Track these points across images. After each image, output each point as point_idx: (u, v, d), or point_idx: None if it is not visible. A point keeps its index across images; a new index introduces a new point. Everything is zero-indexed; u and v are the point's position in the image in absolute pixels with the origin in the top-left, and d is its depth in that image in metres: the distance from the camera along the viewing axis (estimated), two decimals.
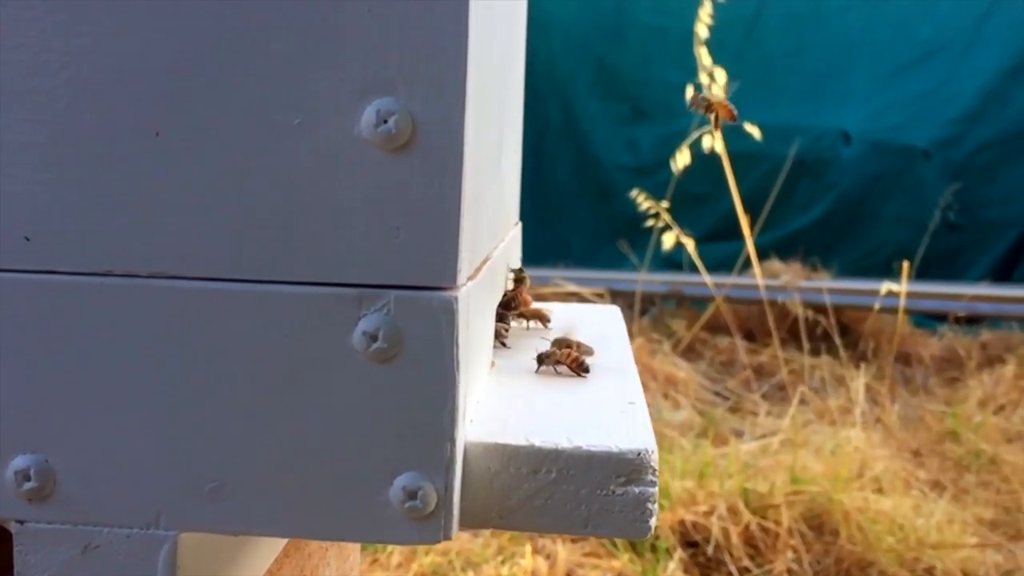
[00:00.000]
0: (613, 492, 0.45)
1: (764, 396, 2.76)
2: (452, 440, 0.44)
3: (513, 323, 0.69)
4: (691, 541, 1.82)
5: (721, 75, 2.57)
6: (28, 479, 0.45)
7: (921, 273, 3.27)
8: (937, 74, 3.95)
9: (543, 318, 0.71)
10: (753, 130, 2.46)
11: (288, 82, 0.42)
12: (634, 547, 1.78)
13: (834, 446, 2.11)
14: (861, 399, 2.48)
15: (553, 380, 0.58)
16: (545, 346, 0.61)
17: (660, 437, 2.13)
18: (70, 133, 0.43)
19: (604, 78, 4.24)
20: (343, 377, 0.44)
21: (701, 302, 3.37)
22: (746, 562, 1.76)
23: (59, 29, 0.43)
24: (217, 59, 0.42)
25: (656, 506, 0.45)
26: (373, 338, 0.43)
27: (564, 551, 1.73)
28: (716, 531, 1.78)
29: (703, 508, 1.84)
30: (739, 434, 2.41)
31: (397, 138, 0.42)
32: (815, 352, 2.97)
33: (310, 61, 0.42)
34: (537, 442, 0.46)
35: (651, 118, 4.08)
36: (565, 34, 4.17)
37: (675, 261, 3.39)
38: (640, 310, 3.28)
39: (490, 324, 0.61)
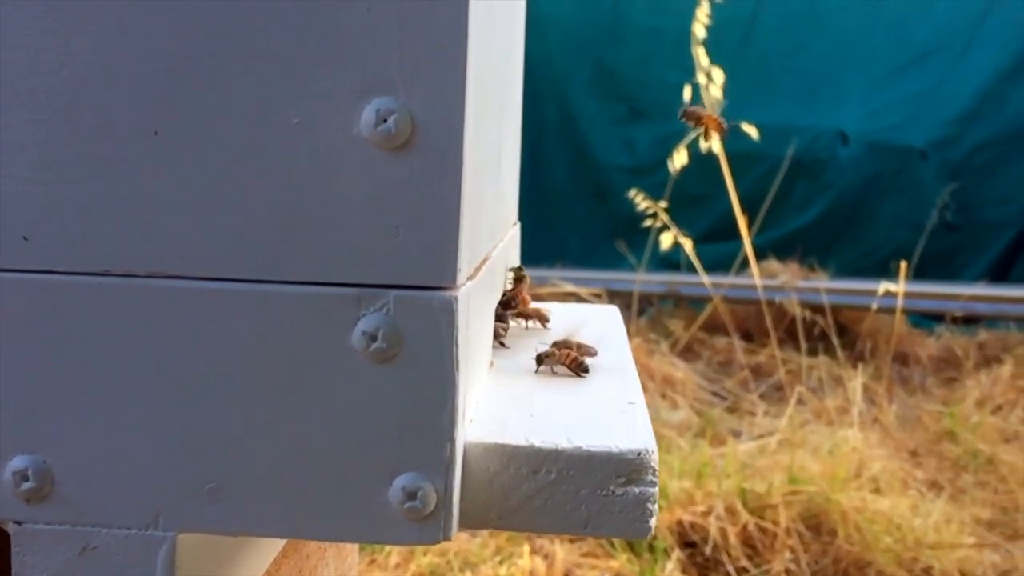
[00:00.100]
0: (613, 492, 0.45)
1: (762, 396, 2.76)
2: (452, 440, 0.44)
3: (512, 323, 0.69)
4: (689, 541, 1.82)
5: (719, 75, 2.58)
6: (26, 479, 0.45)
7: (918, 273, 3.28)
8: (934, 74, 3.95)
9: (542, 318, 0.71)
10: (750, 130, 2.46)
11: (287, 81, 0.42)
12: (632, 547, 1.78)
13: (832, 446, 2.11)
14: (858, 399, 2.48)
15: (552, 380, 0.58)
16: (545, 346, 0.60)
17: (658, 437, 2.13)
18: (69, 133, 0.43)
19: (602, 78, 4.24)
20: (342, 377, 0.43)
21: (699, 302, 3.37)
22: (744, 562, 1.76)
23: (58, 28, 0.43)
24: (216, 58, 0.42)
25: (656, 506, 0.45)
26: (372, 338, 0.43)
27: (562, 551, 1.73)
28: (714, 531, 1.78)
29: (701, 508, 1.84)
30: (737, 434, 2.41)
31: (397, 137, 0.42)
32: (813, 352, 2.98)
33: (309, 60, 0.42)
34: (537, 442, 0.46)
35: (649, 118, 4.08)
36: (563, 34, 4.17)
37: (672, 261, 3.39)
38: (637, 310, 3.28)
39: (489, 324, 0.60)
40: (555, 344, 0.61)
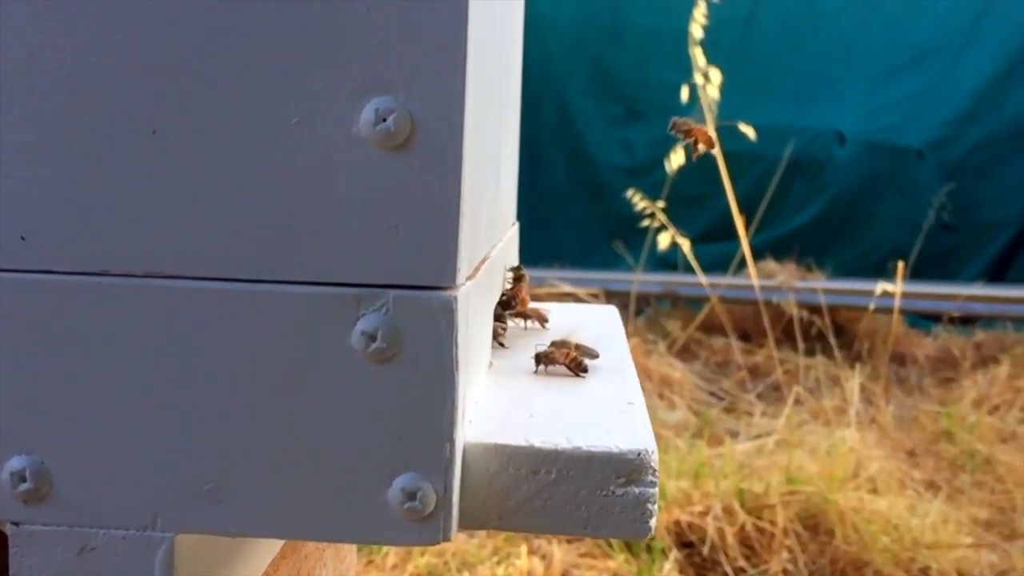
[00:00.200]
0: (613, 493, 0.45)
1: (759, 396, 2.76)
2: (451, 441, 0.43)
3: (511, 323, 0.69)
4: (687, 541, 1.82)
5: (716, 75, 2.58)
6: (24, 480, 0.44)
7: (915, 273, 3.28)
8: (931, 75, 3.95)
9: (541, 318, 0.71)
10: (748, 131, 2.46)
11: (286, 81, 0.42)
12: (630, 547, 1.78)
13: (829, 446, 2.11)
14: (856, 399, 2.48)
15: (552, 380, 0.58)
16: (544, 347, 0.60)
17: (655, 437, 2.12)
18: (67, 132, 0.43)
19: (599, 78, 4.24)
20: (341, 377, 0.43)
21: (696, 302, 3.37)
22: (741, 562, 1.76)
23: (56, 27, 0.42)
24: (215, 57, 0.42)
25: (656, 507, 0.45)
26: (372, 338, 0.43)
27: (560, 552, 1.73)
28: (712, 531, 1.78)
29: (699, 508, 1.84)
30: (734, 434, 2.41)
31: (396, 137, 0.42)
32: (810, 352, 2.98)
33: (309, 60, 0.42)
34: (536, 442, 0.46)
35: (646, 118, 4.08)
36: (560, 35, 4.17)
37: (670, 261, 3.39)
38: (635, 310, 3.28)
39: (489, 324, 0.60)
40: (554, 344, 0.61)
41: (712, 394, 2.83)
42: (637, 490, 0.45)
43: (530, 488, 0.45)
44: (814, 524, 1.84)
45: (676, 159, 2.48)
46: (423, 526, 0.44)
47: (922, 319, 3.46)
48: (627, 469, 0.45)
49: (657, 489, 0.45)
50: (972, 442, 2.37)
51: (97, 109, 0.43)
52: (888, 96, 3.97)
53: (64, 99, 0.43)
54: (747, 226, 2.77)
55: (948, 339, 3.27)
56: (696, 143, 0.77)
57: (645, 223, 2.69)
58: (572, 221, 4.23)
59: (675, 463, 1.99)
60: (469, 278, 0.47)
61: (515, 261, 0.76)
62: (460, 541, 1.77)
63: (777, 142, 3.67)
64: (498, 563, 1.71)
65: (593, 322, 0.74)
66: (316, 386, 0.43)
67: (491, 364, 0.61)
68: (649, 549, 1.76)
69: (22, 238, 0.44)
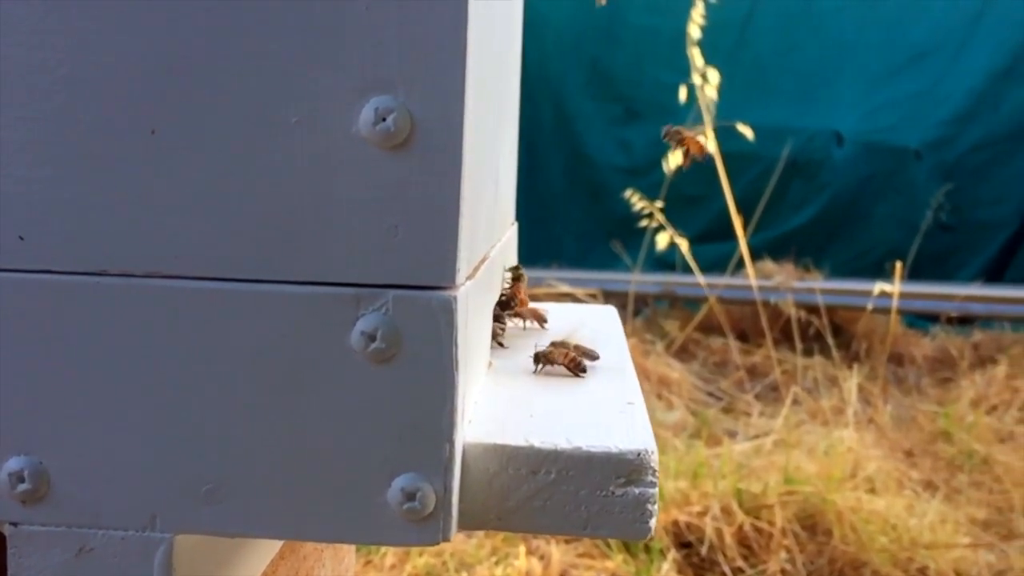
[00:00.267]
0: (613, 493, 0.45)
1: (757, 396, 2.77)
2: (451, 441, 0.43)
3: (510, 323, 0.69)
4: (685, 542, 1.82)
5: (714, 76, 2.58)
6: (22, 481, 0.44)
7: (913, 274, 3.28)
8: (929, 75, 3.96)
9: (540, 318, 0.70)
10: (746, 131, 2.46)
11: (286, 80, 0.42)
12: (628, 548, 1.78)
13: (827, 446, 2.11)
14: (854, 399, 2.48)
15: (551, 380, 0.58)
16: (543, 347, 0.60)
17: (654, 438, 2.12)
18: (66, 131, 0.43)
19: (597, 79, 4.24)
20: (341, 378, 0.43)
21: (694, 303, 3.37)
22: (740, 562, 1.76)
23: (55, 26, 0.42)
24: (214, 57, 0.42)
25: (656, 507, 0.45)
26: (371, 338, 0.43)
27: (558, 552, 1.73)
28: (710, 531, 1.78)
29: (697, 508, 1.84)
30: (732, 434, 2.41)
31: (396, 136, 0.42)
32: (808, 352, 2.98)
33: (308, 59, 0.42)
34: (536, 443, 0.46)
35: (644, 119, 4.08)
36: (558, 35, 4.17)
37: (668, 262, 3.39)
38: (633, 311, 3.28)
39: (488, 324, 0.60)
40: (553, 344, 0.61)
41: (710, 394, 2.83)
42: (637, 490, 0.45)
43: (530, 488, 0.45)
44: (812, 524, 1.84)
45: (674, 159, 2.48)
46: (422, 526, 0.44)
47: (920, 319, 3.47)
48: (627, 469, 0.45)
49: (657, 489, 0.45)
50: (970, 442, 2.37)
51: (96, 109, 0.43)
52: (886, 96, 3.98)
53: (63, 99, 0.43)
54: (745, 226, 2.77)
55: (946, 339, 3.28)
56: (688, 151, 0.77)
57: (643, 223, 2.69)
58: (570, 221, 4.23)
59: (673, 463, 1.99)
60: (469, 278, 0.47)
61: (514, 261, 0.76)
62: (458, 541, 1.77)
63: (775, 142, 3.67)
64: (496, 563, 1.71)
65: (592, 322, 0.73)
66: (315, 386, 0.43)
67: (490, 364, 0.60)
68: (647, 549, 1.76)
69: (21, 238, 0.44)
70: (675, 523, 1.82)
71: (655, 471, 0.45)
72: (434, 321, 0.43)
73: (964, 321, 3.44)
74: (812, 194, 4.00)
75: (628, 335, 3.09)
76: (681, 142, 0.78)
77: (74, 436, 0.44)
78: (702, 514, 1.82)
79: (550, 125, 4.21)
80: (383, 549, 1.70)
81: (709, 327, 3.20)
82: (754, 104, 3.60)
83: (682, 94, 2.60)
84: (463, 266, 0.44)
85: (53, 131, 0.43)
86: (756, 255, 3.11)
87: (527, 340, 0.64)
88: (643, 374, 2.74)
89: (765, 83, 3.99)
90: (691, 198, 3.52)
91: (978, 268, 3.88)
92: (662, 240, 2.61)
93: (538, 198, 4.03)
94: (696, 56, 2.62)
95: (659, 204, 2.65)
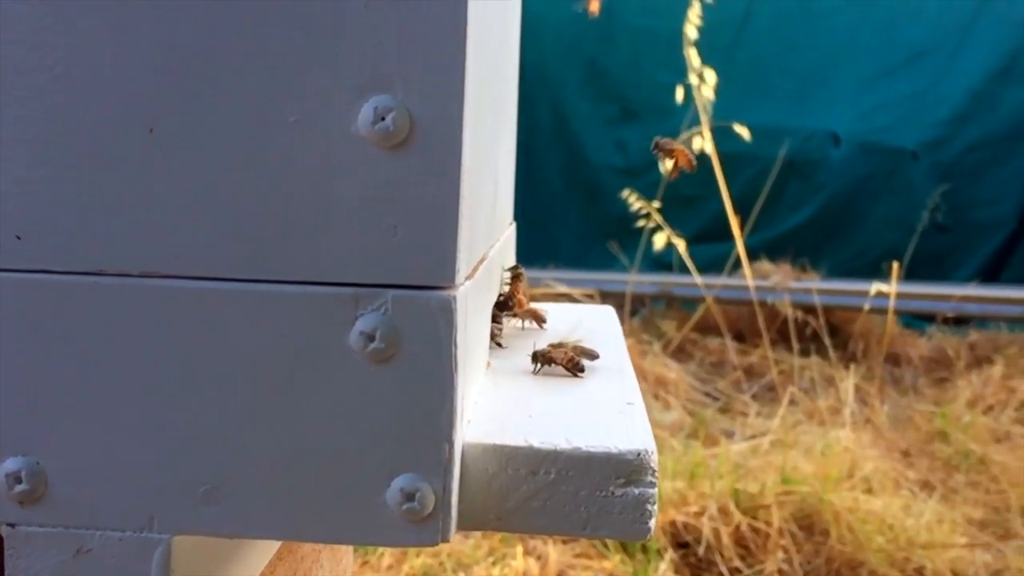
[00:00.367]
0: (612, 493, 0.45)
1: (754, 397, 2.77)
2: (450, 441, 0.43)
3: (509, 323, 0.69)
4: (682, 542, 1.82)
5: (711, 76, 2.58)
6: (19, 482, 0.44)
7: (910, 274, 3.28)
8: (925, 76, 3.96)
9: (539, 318, 0.70)
10: (742, 131, 2.47)
11: (284, 79, 0.42)
12: (625, 548, 1.78)
13: (824, 446, 2.11)
14: (850, 399, 2.49)
15: (550, 380, 0.58)
16: (542, 346, 0.60)
17: None
18: (63, 130, 0.43)
19: (594, 79, 4.25)
20: (340, 378, 0.43)
21: (691, 303, 3.37)
22: (737, 562, 1.76)
23: (53, 24, 0.42)
24: (212, 55, 0.42)
25: (656, 507, 0.45)
26: (370, 338, 0.42)
27: (555, 552, 1.73)
28: (707, 532, 1.78)
29: (694, 509, 1.84)
30: (729, 435, 2.41)
31: (395, 136, 0.41)
32: (805, 353, 2.98)
33: (307, 58, 0.42)
34: (536, 443, 0.45)
35: (641, 119, 4.08)
36: (555, 35, 4.17)
37: (665, 262, 3.40)
38: (630, 311, 3.28)
39: (487, 324, 0.60)
40: (551, 344, 0.60)
41: (707, 394, 2.83)
42: (637, 491, 0.45)
43: (529, 489, 0.45)
44: (809, 524, 1.84)
45: (668, 165, 2.47)
46: (422, 527, 0.44)
47: (916, 319, 3.47)
48: (627, 470, 0.45)
49: (657, 490, 0.45)
50: (966, 442, 2.38)
51: (94, 107, 0.42)
52: (882, 97, 3.98)
53: (60, 98, 0.42)
54: (742, 227, 2.77)
55: (942, 339, 3.28)
56: (677, 163, 0.78)
57: (640, 223, 2.69)
58: (567, 221, 4.23)
59: (670, 464, 1.99)
60: (468, 278, 0.46)
61: (512, 261, 0.76)
62: (456, 542, 1.76)
63: (772, 143, 3.67)
64: (494, 564, 1.71)
65: (591, 322, 0.73)
66: (314, 386, 0.43)
67: (489, 364, 0.60)
68: (645, 549, 1.76)
69: (18, 237, 0.43)
70: (672, 523, 1.82)
71: (655, 471, 0.45)
72: (433, 321, 0.42)
73: (960, 321, 3.44)
74: (809, 194, 4.00)
75: (625, 335, 3.09)
76: (670, 154, 0.78)
77: (72, 436, 0.44)
78: (699, 514, 1.82)
79: (547, 125, 4.21)
80: (380, 550, 1.70)
81: (706, 327, 3.20)
82: (751, 104, 3.61)
83: (679, 94, 2.60)
84: (462, 266, 0.44)
85: (50, 130, 0.43)
86: (753, 255, 3.11)
87: (526, 340, 0.64)
88: (640, 374, 2.74)
89: (762, 83, 3.99)
90: (688, 198, 3.52)
91: (974, 268, 3.89)
92: (659, 240, 2.62)
93: (535, 198, 4.02)
94: (693, 56, 2.62)
95: (656, 204, 2.65)
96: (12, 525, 0.45)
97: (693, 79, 2.62)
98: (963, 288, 3.45)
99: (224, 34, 0.42)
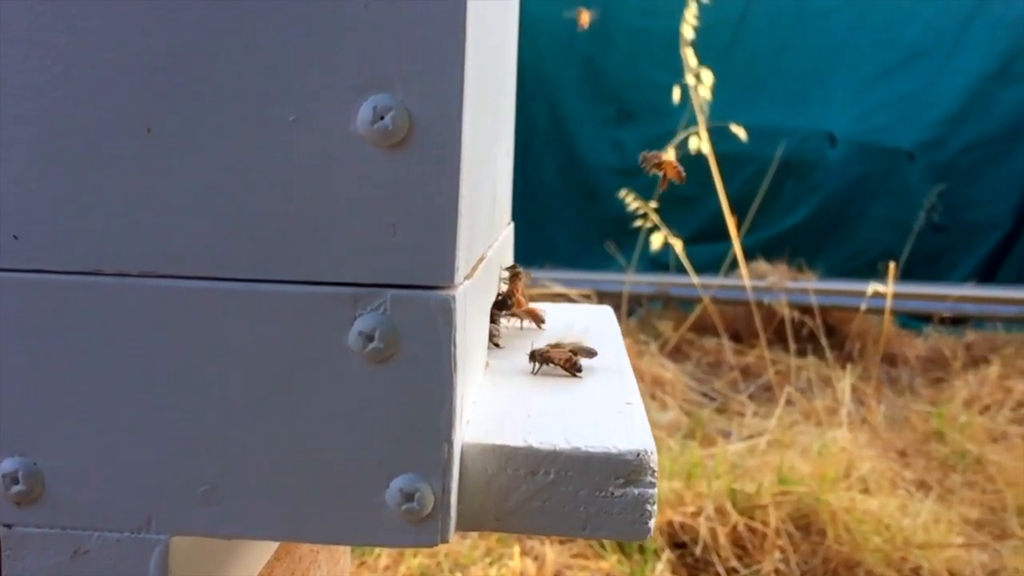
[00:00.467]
0: (612, 493, 0.45)
1: (751, 397, 2.77)
2: (449, 441, 0.43)
3: (507, 323, 0.68)
4: (679, 542, 1.82)
5: (707, 76, 2.59)
6: (16, 482, 0.44)
7: (906, 274, 3.29)
8: (922, 76, 3.97)
9: (537, 318, 0.70)
10: (739, 131, 2.47)
11: (283, 78, 0.42)
12: (622, 548, 1.77)
13: (821, 446, 2.11)
14: (847, 399, 2.49)
15: (549, 380, 0.58)
16: (540, 346, 0.60)
17: None
18: (60, 129, 0.42)
19: (591, 80, 4.25)
20: (338, 378, 0.43)
21: (688, 303, 3.37)
22: (734, 563, 1.76)
23: (51, 23, 0.42)
24: (210, 55, 0.42)
25: (655, 507, 0.45)
26: (369, 338, 0.42)
27: (552, 552, 1.73)
28: (704, 532, 1.78)
29: (691, 509, 1.84)
30: (726, 435, 2.41)
31: (394, 135, 0.41)
32: (801, 353, 2.98)
33: (305, 57, 0.41)
34: (535, 443, 0.45)
35: (638, 119, 4.08)
36: (552, 36, 4.16)
37: (661, 262, 3.40)
38: (627, 311, 3.28)
39: (485, 324, 0.60)
40: (548, 344, 0.60)
41: (704, 395, 2.83)
42: (636, 491, 0.45)
43: (529, 489, 0.45)
44: (806, 524, 1.84)
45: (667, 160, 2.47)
46: (421, 527, 0.43)
47: (913, 320, 3.47)
48: (626, 470, 0.45)
49: (656, 490, 0.45)
50: (963, 442, 2.38)
51: (91, 107, 0.42)
52: (879, 97, 3.99)
53: (58, 97, 0.42)
54: (739, 227, 2.77)
55: (939, 339, 3.28)
56: (665, 175, 0.79)
57: (637, 224, 2.69)
58: (564, 222, 4.23)
59: (667, 464, 1.99)
60: (467, 277, 0.46)
61: (511, 261, 0.76)
62: (453, 542, 1.76)
63: (768, 143, 3.68)
64: (491, 564, 1.71)
65: (589, 322, 0.73)
66: (313, 387, 0.43)
67: (488, 364, 0.60)
68: (642, 550, 1.76)
69: (15, 237, 0.43)
70: (669, 523, 1.82)
71: (654, 472, 0.45)
72: (432, 321, 0.42)
73: (957, 321, 3.44)
74: (805, 195, 4.00)
75: (622, 335, 3.09)
76: (659, 167, 0.79)
77: (69, 437, 0.44)
78: (696, 514, 1.82)
79: (544, 126, 4.21)
80: (377, 550, 1.70)
81: (703, 327, 3.20)
82: (747, 105, 3.61)
83: (676, 95, 2.60)
84: (461, 265, 0.44)
85: (47, 129, 0.42)
86: (750, 255, 3.11)
87: (524, 340, 0.64)
88: (637, 374, 2.73)
89: (758, 84, 3.99)
90: (685, 199, 3.52)
91: (971, 268, 3.89)
92: (656, 240, 2.62)
93: (532, 199, 4.02)
94: (689, 56, 2.62)
95: (653, 204, 2.65)
96: (9, 526, 0.45)
97: (690, 79, 2.62)
98: (959, 288, 3.45)
99: (222, 33, 0.42)
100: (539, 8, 4.02)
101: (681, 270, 2.88)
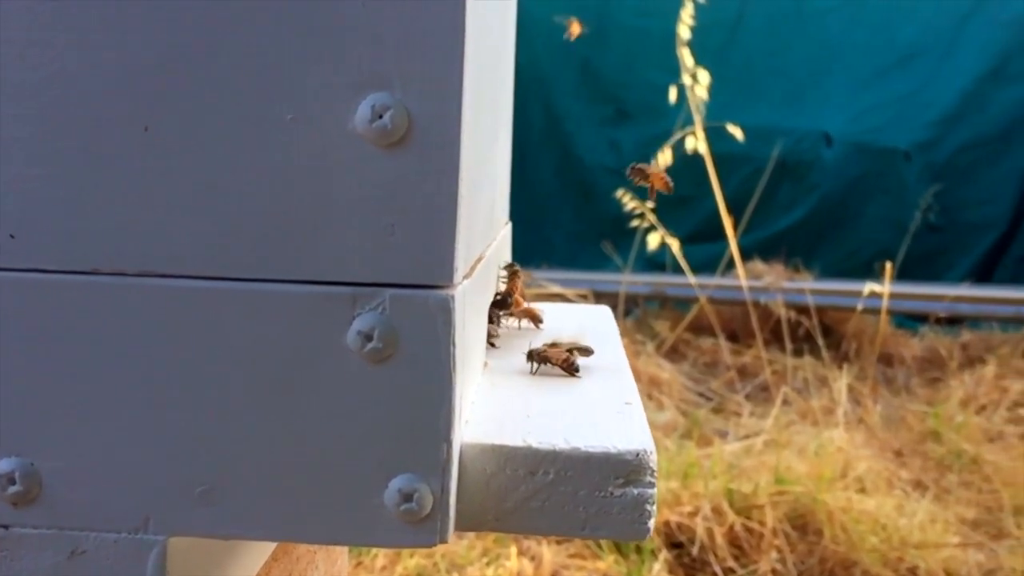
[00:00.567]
0: (611, 493, 0.44)
1: (747, 397, 2.77)
2: (448, 441, 0.43)
3: (506, 322, 0.68)
4: (676, 542, 1.82)
5: (704, 76, 2.59)
6: (13, 483, 0.44)
7: (902, 274, 3.29)
8: (918, 76, 3.97)
9: (535, 318, 0.70)
10: (736, 132, 2.47)
11: (281, 76, 0.42)
12: (619, 548, 1.77)
13: (817, 446, 2.11)
14: (843, 399, 2.49)
15: (548, 381, 0.57)
16: (537, 346, 0.60)
17: None
18: (57, 128, 0.42)
19: (587, 80, 4.24)
20: (337, 378, 0.43)
21: (684, 303, 3.37)
22: (731, 563, 1.76)
23: (48, 22, 0.42)
24: (208, 53, 0.42)
25: (655, 507, 0.45)
26: (368, 338, 0.42)
27: (549, 552, 1.73)
28: (701, 532, 1.78)
29: (688, 509, 1.84)
30: (723, 435, 2.41)
31: (392, 134, 0.41)
32: (798, 353, 2.99)
33: (304, 55, 0.41)
34: (534, 443, 0.45)
35: (634, 119, 4.08)
36: (548, 36, 4.16)
37: (658, 262, 3.40)
38: (624, 311, 3.28)
39: (484, 324, 0.60)
40: (546, 344, 0.60)
41: (701, 395, 2.83)
42: (636, 491, 0.44)
43: (528, 489, 0.45)
44: (803, 524, 1.84)
45: (664, 160, 2.48)
46: (419, 528, 0.43)
47: (909, 320, 3.48)
48: (626, 470, 0.44)
49: (656, 490, 0.45)
50: (959, 442, 2.38)
51: (89, 105, 0.42)
52: (875, 97, 3.99)
53: (55, 95, 0.42)
54: (735, 227, 2.77)
55: (935, 339, 3.29)
56: (653, 187, 0.79)
57: (634, 224, 2.69)
58: (560, 222, 4.23)
59: (664, 464, 1.98)
60: (466, 277, 0.46)
61: (509, 260, 0.75)
62: (450, 542, 1.76)
63: (765, 143, 3.68)
64: (487, 564, 1.71)
65: (587, 322, 0.73)
66: (311, 386, 0.43)
67: (486, 364, 0.60)
68: (639, 550, 1.76)
69: (11, 236, 0.43)
70: (666, 523, 1.82)
71: (654, 472, 0.45)
72: (431, 320, 0.42)
73: (953, 321, 3.45)
74: (802, 195, 4.00)
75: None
76: (646, 178, 0.79)
77: (66, 437, 0.44)
78: (693, 514, 1.82)
79: (540, 126, 4.21)
80: (373, 550, 1.70)
81: (699, 327, 3.20)
82: (744, 105, 3.61)
83: (672, 95, 2.60)
84: (460, 265, 0.43)
85: (44, 128, 0.42)
86: (746, 255, 3.11)
87: (522, 340, 0.64)
88: (634, 374, 2.74)
89: (755, 84, 4.00)
90: (681, 199, 3.52)
91: (967, 269, 3.90)
92: (653, 240, 2.62)
93: (528, 199, 4.02)
94: (686, 57, 2.62)
95: (650, 204, 2.65)
96: (6, 527, 0.44)
97: (686, 79, 2.62)
98: (955, 288, 3.45)
99: (221, 31, 0.41)
100: (536, 8, 4.03)
101: (678, 270, 2.88)
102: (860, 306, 2.87)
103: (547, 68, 4.17)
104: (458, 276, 0.43)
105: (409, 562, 1.70)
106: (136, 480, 0.44)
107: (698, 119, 2.59)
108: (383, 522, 0.43)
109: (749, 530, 1.80)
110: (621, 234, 3.14)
